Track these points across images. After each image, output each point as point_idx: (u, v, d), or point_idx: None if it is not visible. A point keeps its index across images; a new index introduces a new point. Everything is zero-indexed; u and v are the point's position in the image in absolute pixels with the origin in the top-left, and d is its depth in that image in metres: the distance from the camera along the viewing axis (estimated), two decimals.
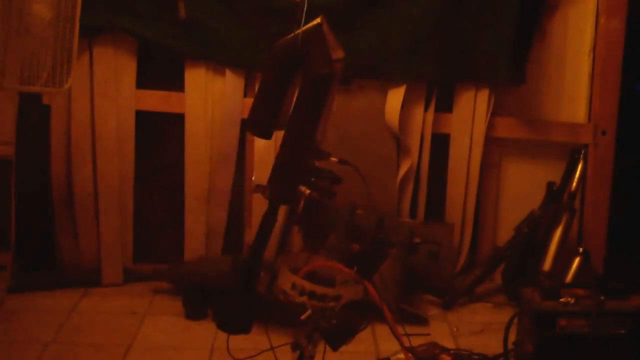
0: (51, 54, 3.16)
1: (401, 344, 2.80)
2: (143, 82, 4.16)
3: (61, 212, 4.14)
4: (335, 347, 2.66)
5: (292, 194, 2.62)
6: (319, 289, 2.63)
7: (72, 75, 3.28)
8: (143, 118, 4.18)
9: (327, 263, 2.72)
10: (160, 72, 4.19)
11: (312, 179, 2.61)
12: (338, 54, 2.61)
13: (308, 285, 2.64)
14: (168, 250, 4.25)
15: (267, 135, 2.68)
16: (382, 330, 3.39)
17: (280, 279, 2.67)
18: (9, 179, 3.84)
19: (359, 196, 3.28)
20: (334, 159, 2.66)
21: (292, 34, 2.60)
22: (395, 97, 4.18)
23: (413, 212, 4.31)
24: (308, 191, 2.62)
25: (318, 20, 2.60)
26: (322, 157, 2.63)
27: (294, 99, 2.67)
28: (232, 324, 2.71)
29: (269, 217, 2.65)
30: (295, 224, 2.64)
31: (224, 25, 4.03)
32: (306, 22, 2.65)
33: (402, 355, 2.90)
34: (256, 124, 2.69)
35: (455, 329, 3.82)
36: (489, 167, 4.36)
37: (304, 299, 2.64)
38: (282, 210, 2.74)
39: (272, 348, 2.85)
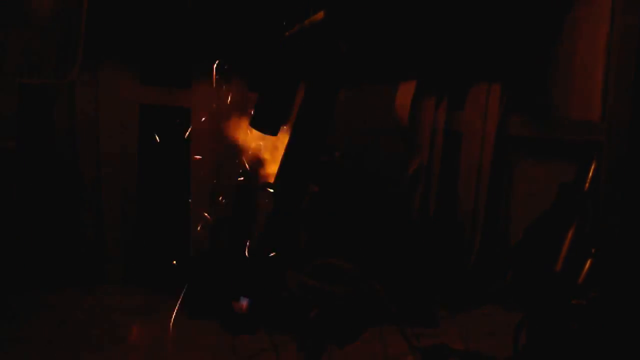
0: (55, 47, 3.13)
1: (410, 343, 2.77)
2: (150, 77, 4.13)
3: (67, 208, 4.12)
4: (341, 345, 2.63)
5: (301, 191, 2.58)
6: (326, 287, 2.59)
7: (77, 68, 3.25)
8: (149, 112, 4.15)
9: (332, 261, 2.68)
10: (167, 66, 4.16)
11: (318, 175, 2.57)
12: (343, 48, 2.56)
13: (315, 284, 2.59)
14: (173, 247, 4.22)
15: (274, 132, 2.63)
16: (391, 331, 3.36)
17: (286, 278, 2.62)
18: (11, 173, 3.82)
19: (368, 194, 3.25)
20: (337, 153, 2.62)
21: (299, 28, 2.56)
22: (405, 94, 4.14)
23: (423, 211, 4.26)
24: (316, 188, 2.58)
25: (321, 14, 2.55)
26: (327, 153, 2.59)
27: (301, 94, 2.63)
28: (238, 325, 2.68)
29: (276, 215, 2.61)
30: (301, 221, 2.61)
31: (230, 19, 4.00)
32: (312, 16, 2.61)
33: (411, 357, 2.85)
34: (262, 120, 2.64)
35: (465, 331, 3.79)
36: (501, 166, 4.30)
37: (311, 297, 2.59)
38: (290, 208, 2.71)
39: (276, 347, 2.82)
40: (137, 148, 4.17)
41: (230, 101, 4.13)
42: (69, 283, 4.04)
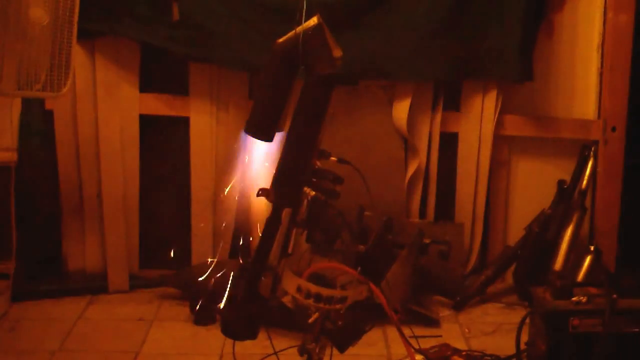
0: (49, 58, 3.13)
1: (406, 343, 2.77)
2: (148, 85, 4.14)
3: (67, 219, 4.13)
4: (342, 349, 2.63)
5: (296, 196, 2.59)
6: (325, 291, 2.59)
7: (70, 79, 3.25)
8: (148, 122, 4.16)
9: (330, 264, 2.68)
10: (166, 75, 4.17)
11: (314, 180, 2.58)
12: (337, 53, 2.57)
13: (314, 288, 2.59)
14: (175, 256, 4.22)
15: (269, 138, 2.64)
16: (394, 333, 3.36)
17: (284, 283, 2.63)
18: (10, 186, 3.82)
19: (367, 197, 3.24)
20: (333, 158, 2.62)
21: (292, 33, 2.56)
22: (402, 97, 4.14)
23: (422, 213, 4.28)
24: (313, 193, 2.58)
25: (315, 19, 2.55)
26: (322, 157, 2.60)
27: (296, 100, 2.64)
28: (238, 330, 2.68)
29: (273, 221, 2.62)
30: (298, 226, 2.61)
31: (225, 26, 4.01)
32: (306, 21, 2.61)
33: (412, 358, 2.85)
34: (257, 126, 2.65)
35: (466, 330, 3.80)
36: (498, 166, 4.32)
37: (310, 301, 2.60)
38: (286, 213, 2.71)
39: (277, 352, 2.82)
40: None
41: (228, 108, 4.14)
42: (71, 293, 4.06)
